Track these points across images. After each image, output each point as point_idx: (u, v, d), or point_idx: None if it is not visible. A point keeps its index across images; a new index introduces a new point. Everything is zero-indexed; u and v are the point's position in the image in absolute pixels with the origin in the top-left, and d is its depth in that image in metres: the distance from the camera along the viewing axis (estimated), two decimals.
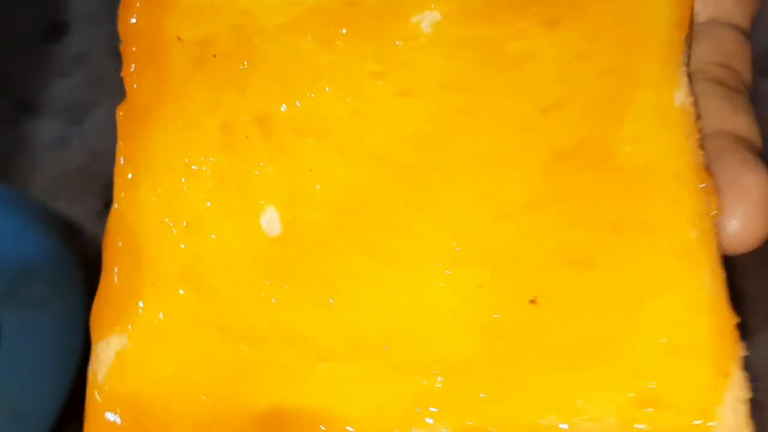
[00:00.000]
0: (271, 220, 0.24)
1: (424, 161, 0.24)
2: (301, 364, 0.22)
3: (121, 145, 0.25)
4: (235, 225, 0.24)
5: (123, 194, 0.24)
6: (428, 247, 0.23)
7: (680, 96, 0.23)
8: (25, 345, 0.52)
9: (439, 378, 0.21)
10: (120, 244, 0.24)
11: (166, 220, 0.24)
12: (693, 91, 0.24)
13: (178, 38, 0.25)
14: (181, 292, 0.23)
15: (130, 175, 0.24)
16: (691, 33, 0.25)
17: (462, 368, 0.21)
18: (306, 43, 0.25)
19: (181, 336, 0.23)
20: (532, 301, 0.22)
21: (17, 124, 0.73)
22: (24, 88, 0.74)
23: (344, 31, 0.25)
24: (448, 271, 0.22)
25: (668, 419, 0.20)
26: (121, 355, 0.23)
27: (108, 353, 0.23)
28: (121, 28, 0.26)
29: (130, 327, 0.23)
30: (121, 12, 0.26)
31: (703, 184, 0.22)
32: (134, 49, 0.25)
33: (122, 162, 0.25)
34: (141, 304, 0.23)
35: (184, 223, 0.24)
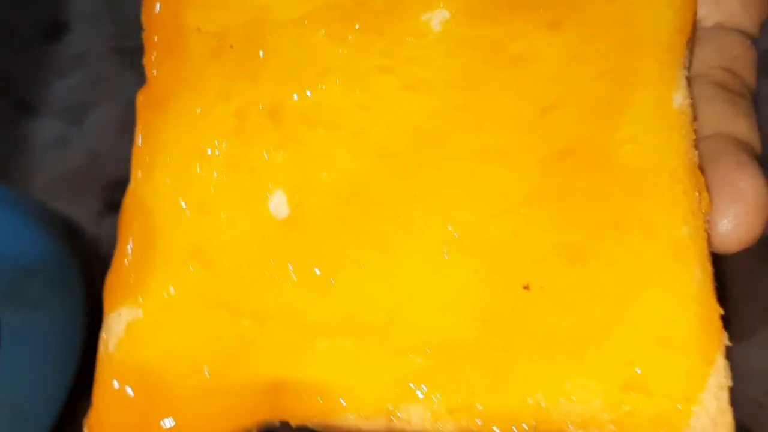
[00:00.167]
0: (278, 204, 0.25)
1: (427, 155, 0.24)
2: (301, 340, 0.23)
3: (139, 128, 0.26)
4: (245, 207, 0.25)
5: (140, 175, 0.25)
6: (427, 235, 0.24)
7: (678, 98, 0.24)
8: (25, 345, 0.52)
9: (432, 357, 0.22)
10: (135, 222, 0.25)
11: (180, 201, 0.25)
12: (692, 94, 0.24)
13: (198, 29, 0.27)
14: (191, 269, 0.24)
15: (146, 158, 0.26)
16: (694, 37, 0.25)
17: (455, 349, 0.22)
18: (318, 36, 0.26)
19: (190, 310, 0.24)
20: (526, 287, 0.22)
21: (17, 124, 0.73)
22: (24, 88, 0.74)
23: (357, 26, 0.26)
24: (445, 257, 0.23)
25: (653, 404, 0.21)
26: (131, 326, 0.24)
27: (119, 324, 0.24)
28: (145, 18, 0.28)
29: (141, 300, 0.24)
30: (145, 2, 0.28)
31: (697, 184, 0.22)
32: (156, 38, 0.27)
33: (140, 144, 0.26)
34: (153, 279, 0.25)
35: (197, 205, 0.25)
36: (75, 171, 0.70)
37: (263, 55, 0.26)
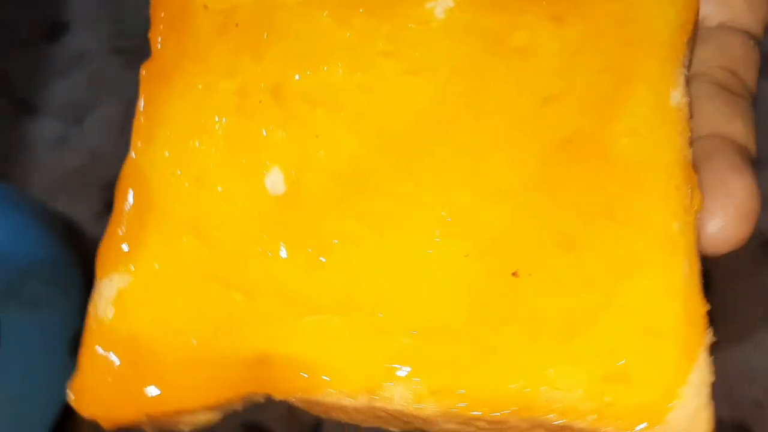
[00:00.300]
0: (275, 181, 0.25)
1: (425, 139, 0.25)
2: (290, 316, 0.23)
3: (141, 100, 0.26)
4: (242, 182, 0.25)
5: (140, 144, 0.26)
6: (420, 217, 0.24)
7: (677, 95, 0.24)
8: (25, 344, 0.52)
9: (419, 338, 0.22)
10: (132, 191, 0.25)
11: (178, 173, 0.25)
12: (692, 92, 0.24)
13: (205, 6, 0.27)
14: (185, 240, 0.25)
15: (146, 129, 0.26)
16: (695, 36, 0.25)
17: (441, 331, 0.23)
18: (323, 18, 0.26)
19: (181, 281, 0.24)
20: (515, 274, 0.23)
21: (17, 124, 0.73)
22: (24, 88, 0.75)
23: (361, 10, 0.26)
24: (437, 239, 0.23)
25: (634, 395, 0.21)
26: (122, 293, 0.24)
27: (110, 290, 0.24)
28: None
29: (132, 267, 0.25)
30: None
31: (690, 181, 0.23)
32: (162, 13, 0.27)
33: (142, 114, 0.26)
34: (146, 248, 0.25)
35: (195, 178, 0.25)
36: (75, 171, 0.70)
37: (268, 34, 0.26)
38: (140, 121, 0.26)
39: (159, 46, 0.27)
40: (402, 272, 0.23)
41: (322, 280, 0.24)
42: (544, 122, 0.24)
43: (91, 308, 0.25)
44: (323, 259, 0.24)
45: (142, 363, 0.23)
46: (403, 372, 0.22)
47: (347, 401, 0.22)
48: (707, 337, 0.21)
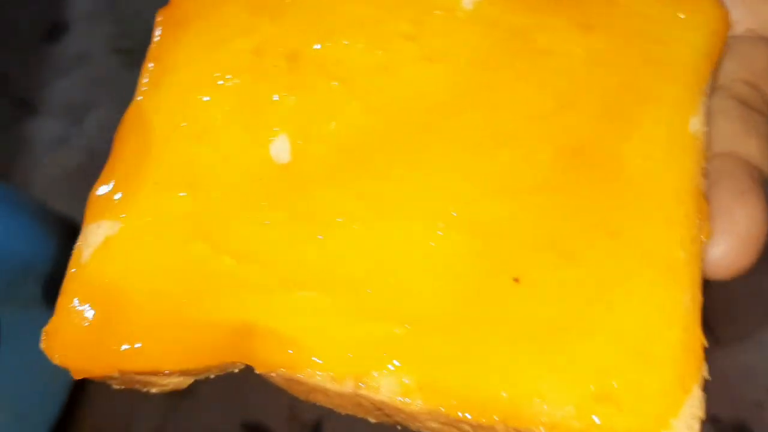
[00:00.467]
0: (281, 148, 0.24)
1: (438, 126, 0.24)
2: (279, 288, 0.23)
3: (154, 44, 0.26)
4: (247, 145, 0.24)
5: (146, 89, 0.25)
6: (425, 206, 0.23)
7: (696, 123, 0.23)
8: (25, 344, 0.52)
9: (410, 329, 0.22)
10: (132, 136, 0.25)
11: (182, 124, 0.25)
12: (712, 105, 0.24)
13: None
14: (180, 195, 0.24)
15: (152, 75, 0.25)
16: (719, 66, 0.25)
17: (434, 326, 0.22)
18: None
19: (172, 237, 0.23)
20: (516, 280, 0.22)
21: (17, 124, 0.73)
22: (24, 88, 0.75)
23: None
24: (440, 233, 0.23)
25: (624, 420, 0.21)
26: (109, 241, 0.24)
27: (97, 236, 0.24)
28: None
29: (123, 216, 0.24)
30: None
31: (700, 211, 0.22)
32: None
33: (152, 58, 0.25)
34: (139, 197, 0.24)
35: (198, 132, 0.24)
36: (75, 171, 0.70)
37: None
38: (149, 66, 0.25)
39: None
40: (400, 260, 0.23)
41: (317, 256, 0.23)
42: (558, 127, 0.24)
43: (75, 252, 0.23)
44: (320, 236, 0.23)
45: (120, 317, 0.23)
46: (392, 362, 0.22)
47: (332, 385, 0.22)
48: (702, 372, 0.21)
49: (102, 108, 0.73)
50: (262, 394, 0.60)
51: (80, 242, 0.24)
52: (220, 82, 0.25)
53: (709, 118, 0.24)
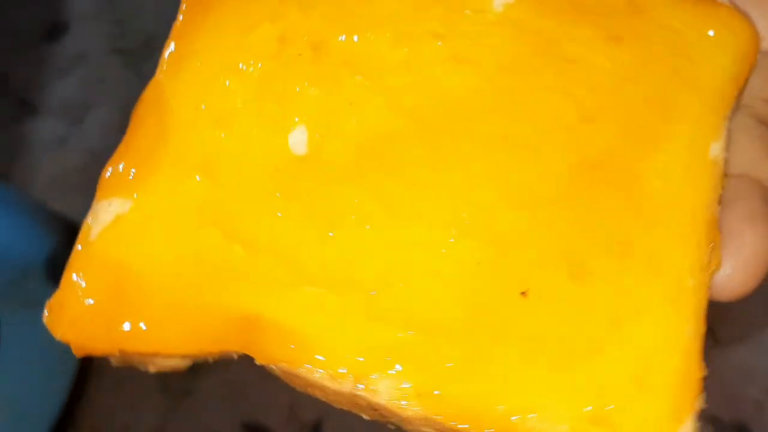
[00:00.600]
0: (299, 139, 0.24)
1: (457, 130, 0.24)
2: (287, 282, 0.23)
3: (178, 23, 0.25)
4: (266, 133, 0.24)
5: (167, 68, 0.25)
6: (439, 211, 0.23)
7: (716, 148, 0.23)
8: (26, 344, 0.52)
9: (414, 334, 0.22)
10: (150, 115, 0.24)
11: (202, 107, 0.24)
12: (730, 131, 0.23)
13: None
14: (196, 178, 0.24)
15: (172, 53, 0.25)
16: (745, 86, 0.24)
17: (439, 333, 0.22)
18: None
19: (183, 220, 0.23)
20: (523, 293, 0.22)
21: (17, 124, 0.73)
22: (24, 88, 0.75)
23: None
24: (451, 240, 0.23)
25: None
26: (119, 219, 0.23)
27: (107, 214, 0.24)
28: None
29: (135, 195, 0.24)
30: None
31: (712, 239, 0.22)
32: None
33: (176, 37, 0.25)
34: (154, 177, 0.24)
35: (217, 116, 0.24)
36: (75, 171, 0.70)
37: None
38: (171, 45, 0.25)
39: None
40: (410, 264, 0.23)
41: (327, 252, 0.23)
42: (579, 140, 0.24)
43: (83, 228, 0.23)
44: (331, 233, 0.23)
45: (125, 297, 0.22)
46: (393, 366, 0.22)
47: (331, 383, 0.22)
48: (698, 403, 0.21)
49: (102, 108, 0.73)
50: (262, 394, 0.60)
51: (90, 219, 0.23)
52: (243, 67, 0.25)
53: (729, 142, 0.24)
